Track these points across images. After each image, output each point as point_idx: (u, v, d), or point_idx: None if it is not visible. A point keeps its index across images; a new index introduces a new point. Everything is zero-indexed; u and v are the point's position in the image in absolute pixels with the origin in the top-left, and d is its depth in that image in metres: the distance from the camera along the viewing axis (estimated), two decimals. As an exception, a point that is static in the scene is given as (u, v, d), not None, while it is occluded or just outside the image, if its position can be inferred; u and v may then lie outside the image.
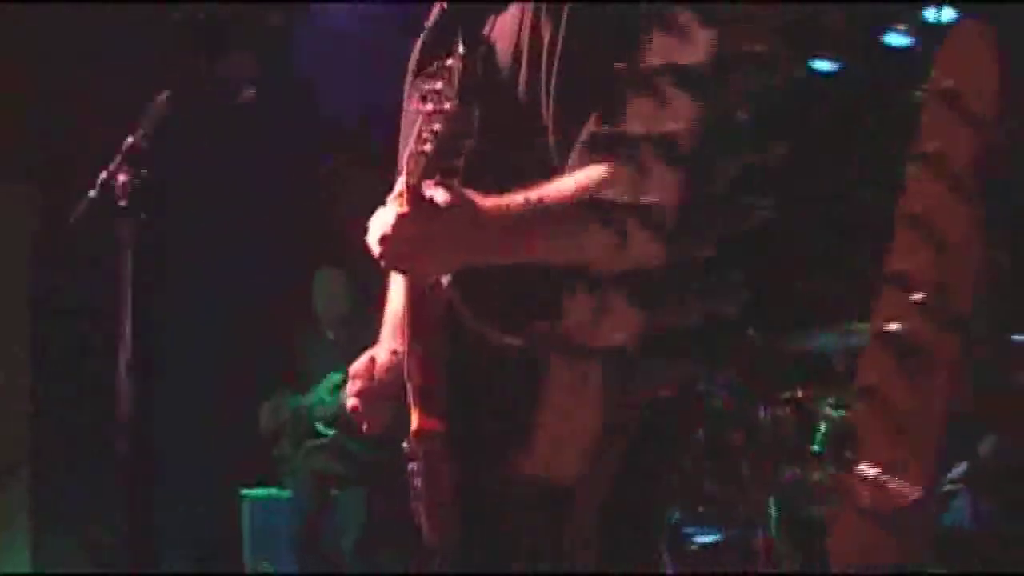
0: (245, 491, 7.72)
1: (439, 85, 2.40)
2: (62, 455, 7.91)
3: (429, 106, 2.40)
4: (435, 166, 2.37)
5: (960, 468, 5.75)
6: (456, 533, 2.64)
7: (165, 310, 7.95)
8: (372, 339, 7.54)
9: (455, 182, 2.37)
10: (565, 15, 2.51)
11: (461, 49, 2.44)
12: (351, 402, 2.83)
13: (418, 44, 2.93)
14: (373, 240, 2.46)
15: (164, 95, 3.15)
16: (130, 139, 3.22)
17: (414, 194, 2.35)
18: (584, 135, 2.42)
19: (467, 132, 2.45)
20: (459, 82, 2.41)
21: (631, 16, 2.57)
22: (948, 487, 5.71)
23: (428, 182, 2.36)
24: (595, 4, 2.51)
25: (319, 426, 7.40)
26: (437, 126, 2.37)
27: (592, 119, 2.42)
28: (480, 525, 2.63)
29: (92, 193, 3.29)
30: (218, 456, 7.73)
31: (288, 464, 7.41)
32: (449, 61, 2.43)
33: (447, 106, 2.37)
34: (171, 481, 7.76)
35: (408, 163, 2.41)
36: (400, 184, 2.44)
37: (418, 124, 2.42)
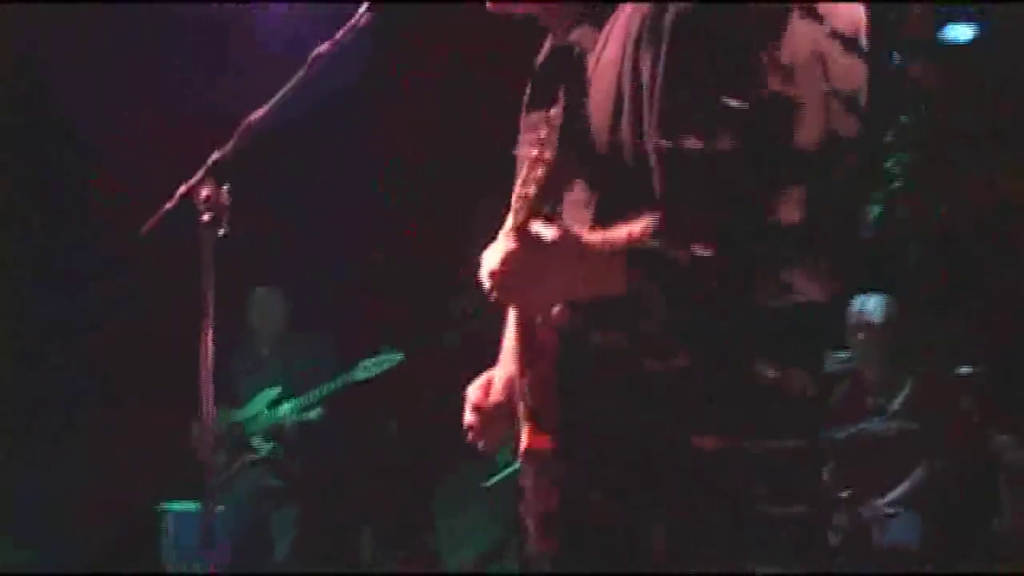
0: (166, 505, 7.66)
1: (543, 133, 2.48)
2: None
3: (535, 152, 2.49)
4: (538, 211, 2.46)
5: (903, 488, 5.99)
6: (559, 542, 2.73)
7: (98, 319, 7.97)
8: (306, 356, 7.57)
9: (559, 221, 2.46)
10: (664, 53, 2.60)
11: (562, 101, 2.51)
12: (468, 419, 2.89)
13: (531, 79, 3.03)
14: (484, 275, 2.54)
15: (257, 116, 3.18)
16: (215, 154, 3.25)
17: (521, 232, 2.45)
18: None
19: (566, 181, 2.55)
20: (560, 132, 2.49)
21: (730, 50, 2.69)
22: (892, 509, 5.95)
23: (534, 221, 2.45)
24: (693, 41, 2.61)
25: (256, 441, 7.41)
26: (540, 172, 2.46)
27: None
28: (585, 536, 2.72)
29: (169, 205, 3.31)
30: (142, 469, 7.68)
31: (223, 478, 7.40)
32: (552, 111, 2.51)
33: (547, 155, 2.45)
34: (93, 493, 7.75)
35: (515, 204, 2.50)
36: (510, 221, 2.53)
37: (524, 168, 2.50)
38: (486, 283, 2.52)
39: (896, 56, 6.27)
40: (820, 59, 2.43)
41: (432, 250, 7.85)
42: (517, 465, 6.82)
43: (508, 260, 2.45)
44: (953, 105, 5.77)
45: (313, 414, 7.39)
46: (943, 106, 5.80)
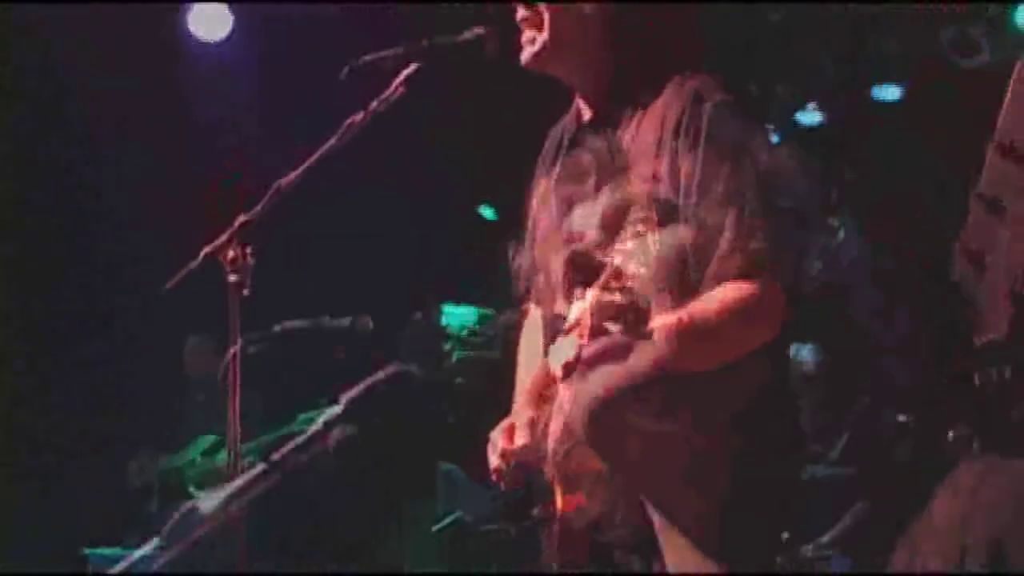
0: (89, 549, 7.60)
1: (630, 245, 2.59)
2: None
3: (616, 259, 2.59)
4: (621, 316, 2.59)
5: (834, 531, 6.18)
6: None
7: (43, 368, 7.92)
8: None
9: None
10: (702, 148, 2.79)
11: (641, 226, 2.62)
12: (493, 462, 3.06)
13: (554, 142, 3.16)
14: (556, 366, 2.69)
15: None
16: (243, 216, 3.33)
17: (595, 330, 2.61)
18: (722, 252, 2.72)
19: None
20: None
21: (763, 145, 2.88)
22: (823, 551, 6.13)
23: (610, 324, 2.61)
24: (729, 136, 2.79)
25: (191, 488, 7.41)
26: (630, 284, 2.57)
27: (725, 240, 2.72)
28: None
29: (193, 264, 3.38)
30: (66, 514, 7.63)
31: (155, 524, 7.36)
32: (640, 226, 2.60)
33: (642, 271, 2.57)
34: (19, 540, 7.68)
35: (594, 305, 2.61)
36: (576, 312, 2.66)
37: (606, 273, 2.60)
38: (558, 372, 2.66)
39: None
40: None
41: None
42: (459, 514, 6.82)
43: (580, 355, 2.61)
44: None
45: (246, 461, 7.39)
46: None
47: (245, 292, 3.36)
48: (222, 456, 7.40)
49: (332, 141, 3.24)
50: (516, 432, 3.06)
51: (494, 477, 3.07)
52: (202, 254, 3.37)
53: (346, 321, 6.68)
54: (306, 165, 3.28)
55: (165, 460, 7.53)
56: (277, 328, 6.78)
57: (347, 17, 6.90)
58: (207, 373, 7.63)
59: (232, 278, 3.34)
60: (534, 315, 3.25)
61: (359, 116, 3.21)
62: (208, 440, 7.47)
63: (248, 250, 3.36)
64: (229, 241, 3.34)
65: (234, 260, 3.33)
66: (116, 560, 7.27)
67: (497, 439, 3.08)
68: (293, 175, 3.29)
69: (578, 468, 2.84)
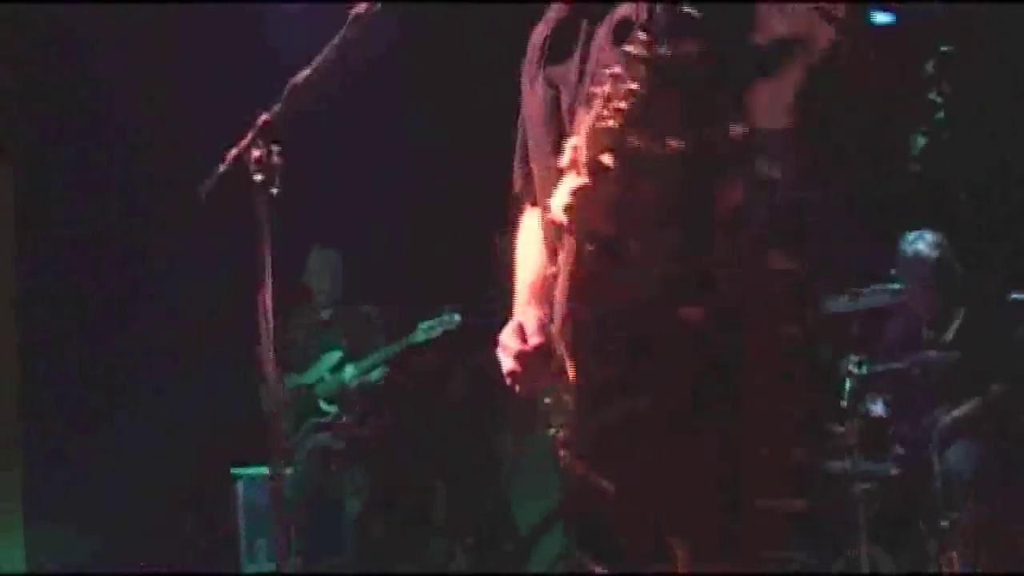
0: (236, 469, 7.80)
1: (618, 70, 2.40)
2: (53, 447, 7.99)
3: (606, 88, 2.42)
4: (619, 140, 2.43)
5: (959, 414, 6.03)
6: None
7: (160, 292, 8.09)
8: (363, 317, 7.57)
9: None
10: None
11: (643, 35, 2.38)
12: (510, 366, 2.86)
13: (540, 36, 2.94)
14: (558, 211, 2.54)
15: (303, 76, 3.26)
16: (264, 115, 3.32)
17: (592, 163, 2.44)
18: None
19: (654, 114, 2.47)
20: (644, 64, 2.39)
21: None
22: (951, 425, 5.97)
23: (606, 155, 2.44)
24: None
25: (322, 403, 7.52)
26: (622, 104, 2.40)
27: None
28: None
29: (222, 167, 3.39)
30: (212, 436, 7.78)
31: (290, 442, 7.48)
32: (630, 47, 2.40)
33: (633, 85, 2.39)
34: (167, 462, 7.88)
35: (586, 137, 2.45)
36: (570, 149, 2.50)
37: (596, 105, 2.43)
38: (560, 217, 2.56)
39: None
40: None
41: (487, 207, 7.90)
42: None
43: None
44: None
45: (375, 376, 7.49)
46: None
47: (273, 191, 3.35)
48: (349, 371, 7.51)
49: (340, 33, 3.21)
50: (528, 332, 2.85)
51: (509, 381, 2.87)
52: (229, 157, 3.37)
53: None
54: (317, 61, 3.25)
55: (295, 379, 7.63)
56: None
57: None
58: (330, 287, 7.70)
59: (257, 178, 3.33)
60: (530, 214, 3.06)
61: (364, 6, 3.16)
62: (334, 357, 7.56)
63: (275, 149, 3.34)
64: (253, 141, 3.33)
65: (259, 160, 3.33)
66: (261, 479, 7.49)
67: (508, 341, 2.87)
68: (306, 72, 3.27)
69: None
